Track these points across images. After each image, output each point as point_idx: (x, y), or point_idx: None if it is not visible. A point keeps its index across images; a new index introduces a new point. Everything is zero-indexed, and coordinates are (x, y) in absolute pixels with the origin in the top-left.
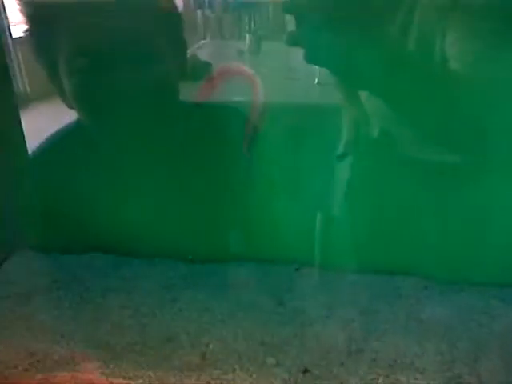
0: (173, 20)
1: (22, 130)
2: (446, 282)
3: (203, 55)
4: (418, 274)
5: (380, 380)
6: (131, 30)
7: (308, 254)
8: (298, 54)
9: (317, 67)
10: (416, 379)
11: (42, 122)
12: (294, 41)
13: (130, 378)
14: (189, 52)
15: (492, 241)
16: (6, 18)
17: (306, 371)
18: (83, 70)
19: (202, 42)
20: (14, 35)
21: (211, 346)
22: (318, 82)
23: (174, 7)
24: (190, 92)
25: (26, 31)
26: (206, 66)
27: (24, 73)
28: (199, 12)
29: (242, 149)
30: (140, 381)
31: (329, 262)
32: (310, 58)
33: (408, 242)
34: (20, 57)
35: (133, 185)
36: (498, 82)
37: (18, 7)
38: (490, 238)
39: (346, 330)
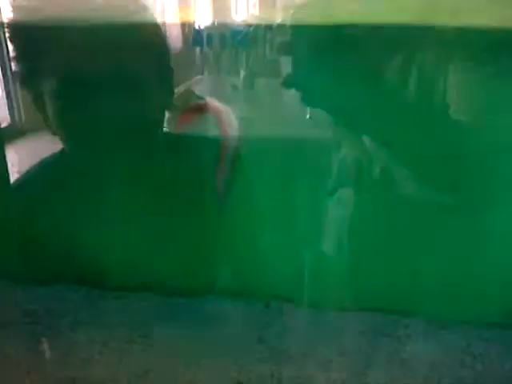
0: (161, 52)
1: (4, 158)
2: (429, 319)
3: (198, 90)
4: (401, 312)
5: None
6: (118, 58)
7: (292, 290)
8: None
9: None
10: None
11: (34, 152)
12: (290, 84)
13: None
14: (185, 86)
15: (479, 280)
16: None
17: None
18: (67, 96)
19: (199, 77)
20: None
21: None
22: (309, 116)
23: (163, 40)
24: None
25: (13, 55)
26: (199, 99)
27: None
28: (197, 49)
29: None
30: None
31: (313, 299)
32: (306, 101)
33: (395, 281)
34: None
35: (113, 217)
36: (499, 126)
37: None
38: (478, 277)
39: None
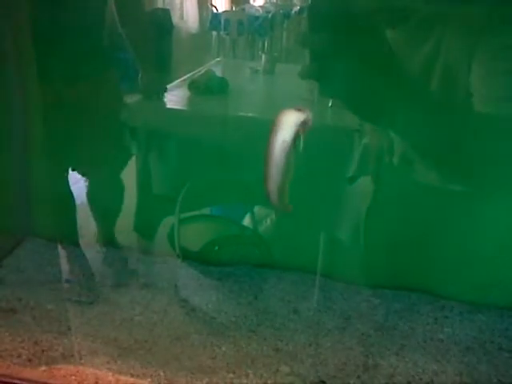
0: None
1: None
2: (465, 302)
3: (218, 72)
4: (437, 293)
5: None
6: None
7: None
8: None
9: None
10: None
11: None
12: (307, 74)
13: (137, 376)
14: (204, 68)
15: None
16: None
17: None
18: None
19: (217, 59)
20: None
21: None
22: (331, 105)
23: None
24: (206, 105)
25: None
26: (222, 81)
27: None
28: (214, 33)
29: None
30: (148, 379)
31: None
32: (324, 92)
33: (427, 263)
34: None
35: None
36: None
37: None
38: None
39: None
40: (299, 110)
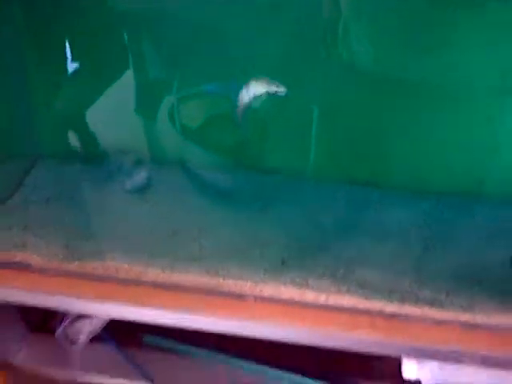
0: None
1: None
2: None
3: None
4: (384, 184)
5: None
6: None
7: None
8: None
9: None
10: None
11: None
12: None
13: (145, 265)
14: None
15: (449, 155)
16: None
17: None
18: None
19: None
20: None
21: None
22: None
23: None
24: None
25: None
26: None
27: None
28: None
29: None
30: (154, 267)
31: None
32: None
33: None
34: None
35: None
36: None
37: None
38: (448, 152)
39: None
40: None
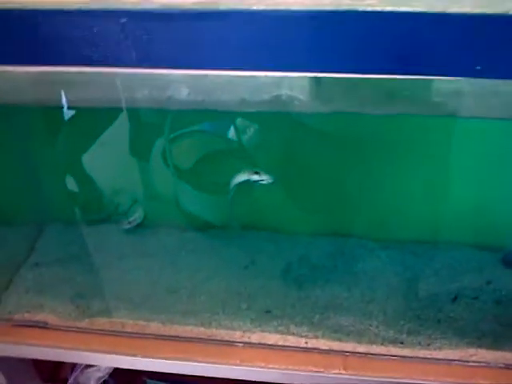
0: None
1: None
2: (377, 240)
3: None
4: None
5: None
6: None
7: None
8: None
9: None
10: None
11: None
12: None
13: (147, 320)
14: None
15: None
16: None
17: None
18: None
19: None
20: None
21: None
22: None
23: None
24: None
25: None
26: None
27: None
28: None
29: None
30: (155, 322)
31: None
32: None
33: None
34: None
35: None
36: None
37: None
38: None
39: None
40: None
